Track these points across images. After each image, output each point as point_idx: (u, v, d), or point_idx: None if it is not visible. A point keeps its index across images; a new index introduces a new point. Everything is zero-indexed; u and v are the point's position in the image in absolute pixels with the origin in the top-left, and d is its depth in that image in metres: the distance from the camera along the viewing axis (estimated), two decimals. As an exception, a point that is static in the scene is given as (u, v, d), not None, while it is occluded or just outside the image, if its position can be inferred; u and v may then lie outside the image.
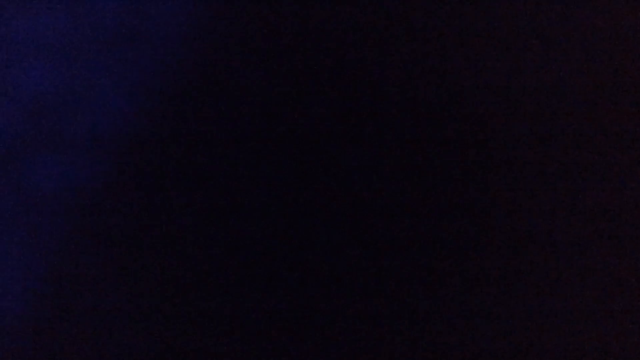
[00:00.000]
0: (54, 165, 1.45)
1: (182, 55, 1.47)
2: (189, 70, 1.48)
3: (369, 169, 1.51)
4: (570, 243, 1.48)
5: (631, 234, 1.48)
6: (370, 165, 1.51)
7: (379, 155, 1.51)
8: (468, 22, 1.56)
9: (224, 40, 1.49)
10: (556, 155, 1.51)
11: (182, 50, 1.47)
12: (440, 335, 1.45)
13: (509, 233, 1.48)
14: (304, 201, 1.50)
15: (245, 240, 1.49)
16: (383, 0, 1.56)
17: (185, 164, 1.48)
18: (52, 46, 1.45)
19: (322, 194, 1.50)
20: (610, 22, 1.55)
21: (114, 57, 1.45)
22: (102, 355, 1.45)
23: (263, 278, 1.48)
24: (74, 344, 1.46)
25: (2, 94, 1.45)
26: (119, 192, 1.47)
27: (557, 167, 1.51)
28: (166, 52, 1.47)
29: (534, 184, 1.50)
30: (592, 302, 1.46)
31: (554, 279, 1.47)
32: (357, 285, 1.47)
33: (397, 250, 1.48)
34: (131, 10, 1.48)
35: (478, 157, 1.51)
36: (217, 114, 1.50)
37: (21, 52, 1.45)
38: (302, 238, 1.49)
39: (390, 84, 1.53)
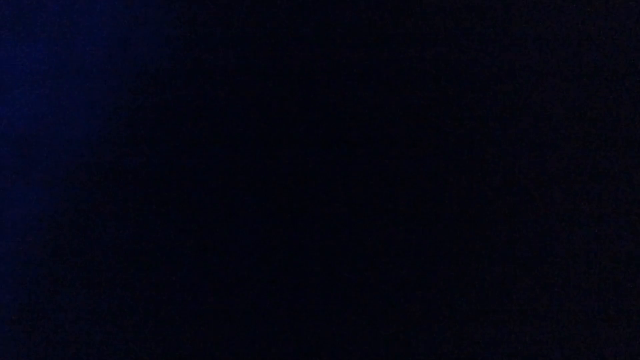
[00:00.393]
0: (29, 193, 1.46)
1: (162, 87, 1.49)
2: (169, 105, 1.49)
3: (369, 169, 1.50)
4: (570, 243, 1.48)
5: (631, 234, 1.47)
6: (369, 165, 1.50)
7: (377, 156, 1.51)
8: (467, 22, 1.55)
9: (208, 75, 1.50)
10: (556, 155, 1.51)
11: (163, 82, 1.49)
12: (440, 336, 1.45)
13: (509, 233, 1.48)
14: (301, 203, 1.49)
15: (241, 243, 1.49)
16: (383, 1, 1.56)
17: (165, 194, 1.49)
18: (32, 75, 1.47)
19: (322, 194, 1.50)
20: (610, 22, 1.55)
21: (94, 86, 1.47)
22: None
23: (260, 280, 1.47)
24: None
25: None
26: (96, 220, 1.47)
27: (557, 167, 1.51)
28: (146, 84, 1.49)
29: (534, 184, 1.50)
30: (591, 303, 1.46)
31: (553, 279, 1.47)
32: (356, 286, 1.47)
33: (396, 250, 1.48)
34: (114, 40, 1.49)
35: (477, 158, 1.51)
36: (199, 147, 1.51)
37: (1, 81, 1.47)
38: (300, 239, 1.48)
39: (389, 85, 1.53)
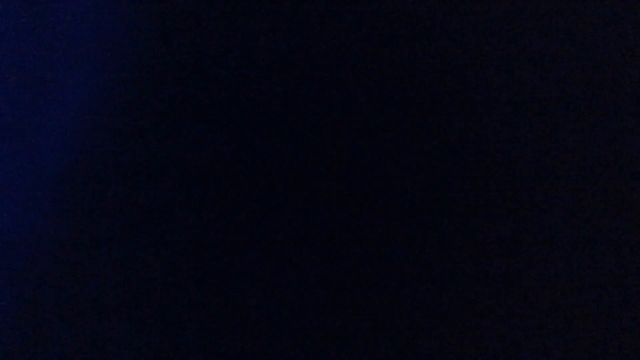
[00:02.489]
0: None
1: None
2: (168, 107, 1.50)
3: (369, 167, 1.50)
4: (570, 244, 1.48)
5: (631, 235, 1.47)
6: (370, 163, 1.50)
7: (378, 154, 1.51)
8: (468, 22, 1.55)
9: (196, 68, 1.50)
10: (556, 156, 1.51)
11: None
12: (440, 336, 1.45)
13: (509, 234, 1.48)
14: (303, 200, 1.49)
15: (241, 241, 1.49)
16: (383, 1, 1.56)
17: (163, 192, 1.50)
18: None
19: (324, 191, 1.50)
20: (610, 22, 1.55)
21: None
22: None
23: (265, 278, 1.47)
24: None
25: None
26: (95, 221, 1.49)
27: (558, 166, 1.51)
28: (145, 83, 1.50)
29: (534, 186, 1.50)
30: (592, 303, 1.46)
31: (554, 279, 1.47)
32: (356, 286, 1.47)
33: (397, 249, 1.48)
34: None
35: (478, 157, 1.51)
36: (199, 147, 1.51)
37: None
38: (302, 237, 1.48)
39: (390, 83, 1.53)
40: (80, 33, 1.53)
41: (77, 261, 1.47)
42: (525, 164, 1.50)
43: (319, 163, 1.50)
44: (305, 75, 1.53)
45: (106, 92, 1.51)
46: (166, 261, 1.47)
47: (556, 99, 1.52)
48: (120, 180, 1.49)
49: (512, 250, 1.47)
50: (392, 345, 1.45)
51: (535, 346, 1.44)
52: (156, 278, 1.46)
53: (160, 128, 1.50)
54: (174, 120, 1.51)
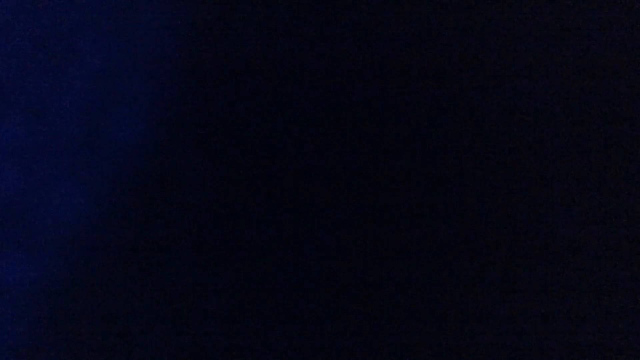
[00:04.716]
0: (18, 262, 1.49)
1: (138, 163, 1.52)
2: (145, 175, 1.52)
3: (369, 169, 1.51)
4: (571, 243, 1.48)
5: (631, 236, 1.48)
6: (370, 165, 1.51)
7: (378, 156, 1.51)
8: (467, 22, 1.55)
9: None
10: (556, 155, 1.51)
11: (139, 156, 1.52)
12: (440, 337, 1.45)
13: (509, 235, 1.48)
14: (303, 202, 1.50)
15: (241, 245, 1.49)
16: (382, 2, 1.56)
17: (165, 196, 1.50)
18: (10, 151, 1.52)
19: (324, 193, 1.50)
20: (610, 22, 1.55)
21: (73, 160, 1.51)
22: None
23: (267, 281, 1.48)
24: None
25: None
26: (85, 287, 1.49)
27: (557, 167, 1.51)
28: (124, 157, 1.51)
29: (534, 184, 1.50)
30: (592, 304, 1.46)
31: (554, 279, 1.47)
32: (356, 287, 1.47)
33: (397, 251, 1.48)
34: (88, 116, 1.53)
35: (477, 158, 1.51)
36: (200, 149, 1.52)
37: None
38: (302, 239, 1.49)
39: (389, 85, 1.53)
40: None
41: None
42: (525, 163, 1.50)
43: (320, 162, 1.50)
44: (305, 75, 1.53)
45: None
46: (165, 262, 1.48)
47: (556, 99, 1.53)
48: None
49: (511, 250, 1.47)
50: (392, 345, 1.45)
51: (535, 346, 1.45)
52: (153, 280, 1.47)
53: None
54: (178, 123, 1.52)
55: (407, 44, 1.54)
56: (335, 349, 1.45)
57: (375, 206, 1.49)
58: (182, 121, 1.52)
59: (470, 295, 1.45)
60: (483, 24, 1.54)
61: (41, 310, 1.46)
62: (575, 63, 1.54)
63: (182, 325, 1.46)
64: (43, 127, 1.50)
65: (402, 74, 1.53)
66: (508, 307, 1.45)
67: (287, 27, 1.55)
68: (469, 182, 1.49)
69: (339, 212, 1.48)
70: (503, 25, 1.55)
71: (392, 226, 1.48)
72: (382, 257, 1.47)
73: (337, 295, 1.46)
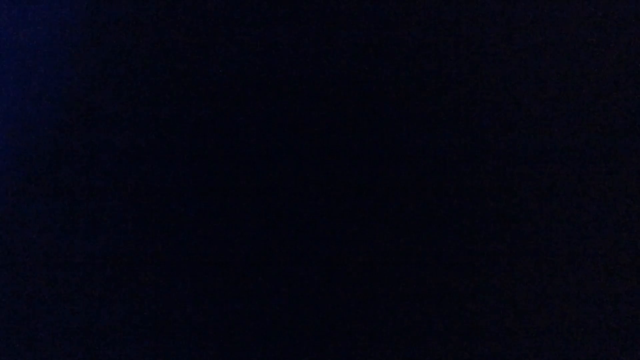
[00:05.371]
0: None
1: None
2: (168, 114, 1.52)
3: (368, 173, 1.51)
4: (571, 247, 1.48)
5: (632, 235, 1.48)
6: (368, 170, 1.51)
7: (376, 161, 1.51)
8: (467, 23, 1.56)
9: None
10: (556, 158, 1.51)
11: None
12: (441, 338, 1.45)
13: (509, 236, 1.48)
14: (302, 207, 1.50)
15: (241, 246, 1.49)
16: (383, 7, 1.56)
17: (163, 202, 1.50)
18: None
19: (323, 199, 1.50)
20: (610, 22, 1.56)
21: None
22: None
23: (263, 285, 1.47)
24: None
25: None
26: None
27: (558, 170, 1.51)
28: (116, 164, 1.52)
29: (534, 188, 1.50)
30: (592, 305, 1.46)
31: (554, 283, 1.47)
32: (357, 289, 1.47)
33: (396, 254, 1.48)
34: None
35: (477, 162, 1.51)
36: (199, 154, 1.52)
37: None
38: (301, 243, 1.48)
39: (388, 90, 1.54)
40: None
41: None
42: (525, 164, 1.50)
43: (319, 168, 1.50)
44: (302, 82, 1.54)
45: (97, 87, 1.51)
46: (161, 266, 1.48)
47: (557, 106, 1.53)
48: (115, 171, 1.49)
49: (511, 251, 1.47)
50: (392, 344, 1.45)
51: (535, 347, 1.45)
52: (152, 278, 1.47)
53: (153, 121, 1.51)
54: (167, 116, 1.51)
55: (405, 51, 1.55)
56: (336, 348, 1.45)
57: (373, 215, 1.49)
58: (173, 128, 1.52)
59: (468, 304, 1.45)
60: (481, 35, 1.55)
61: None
62: (576, 69, 1.54)
63: (175, 337, 1.46)
64: (16, 135, 1.50)
65: (400, 80, 1.54)
66: (507, 314, 1.45)
67: (282, 34, 1.55)
68: (467, 189, 1.49)
69: (335, 221, 1.48)
70: (502, 33, 1.55)
71: (389, 234, 1.48)
72: (378, 266, 1.47)
73: (334, 305, 1.46)
